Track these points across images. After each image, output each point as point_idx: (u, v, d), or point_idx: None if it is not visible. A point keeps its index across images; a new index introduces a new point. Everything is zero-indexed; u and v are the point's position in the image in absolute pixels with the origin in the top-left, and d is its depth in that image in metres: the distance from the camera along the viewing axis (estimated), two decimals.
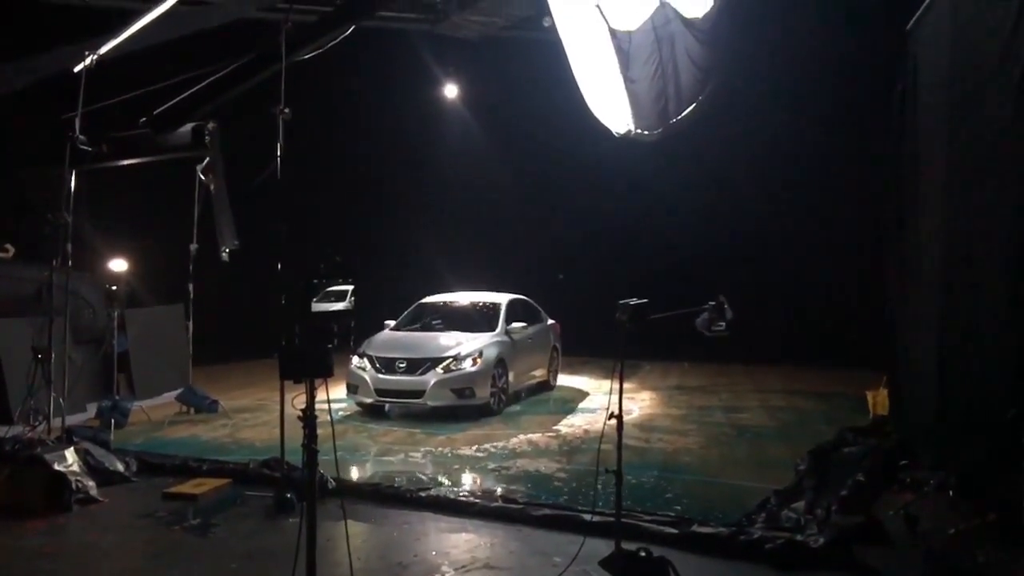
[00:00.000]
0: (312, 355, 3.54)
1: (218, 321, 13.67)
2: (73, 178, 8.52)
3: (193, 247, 11.10)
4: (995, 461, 5.74)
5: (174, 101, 7.76)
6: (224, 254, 10.84)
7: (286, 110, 7.20)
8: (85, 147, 8.28)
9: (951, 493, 6.49)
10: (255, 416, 11.00)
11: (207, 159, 10.11)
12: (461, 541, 6.07)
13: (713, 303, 5.20)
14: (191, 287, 11.14)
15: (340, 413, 10.91)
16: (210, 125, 8.63)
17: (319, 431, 3.98)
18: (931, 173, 7.85)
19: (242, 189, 10.50)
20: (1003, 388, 5.70)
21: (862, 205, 12.95)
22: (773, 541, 5.56)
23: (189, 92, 7.72)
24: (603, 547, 5.11)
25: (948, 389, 7.18)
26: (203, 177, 10.52)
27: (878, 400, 10.63)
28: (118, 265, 10.46)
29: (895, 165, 9.11)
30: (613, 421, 4.91)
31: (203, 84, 7.67)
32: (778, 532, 5.77)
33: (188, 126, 8.27)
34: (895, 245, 9.21)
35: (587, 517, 6.00)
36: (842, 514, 6.13)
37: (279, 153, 7.17)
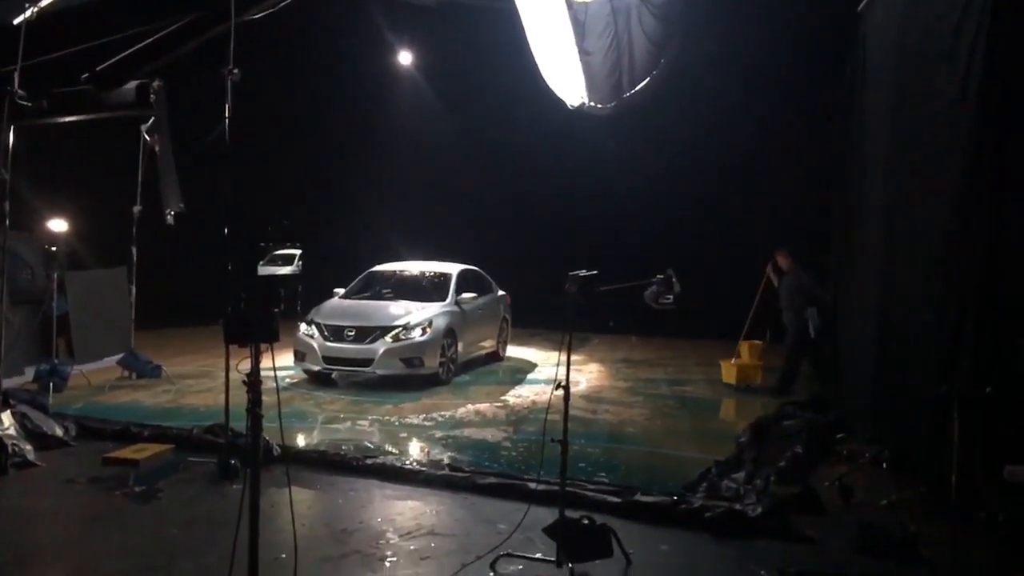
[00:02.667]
0: (257, 319, 3.50)
1: (162, 285, 13.41)
2: (11, 134, 8.24)
3: (136, 209, 10.83)
4: (927, 436, 5.95)
5: (118, 57, 7.51)
6: (169, 217, 10.59)
7: (235, 71, 7.03)
8: (24, 102, 8.00)
9: (884, 466, 6.74)
10: (199, 382, 10.86)
11: (152, 118, 9.83)
12: (407, 508, 6.09)
13: (661, 276, 5.27)
14: (134, 250, 10.89)
15: (287, 380, 10.83)
16: (155, 83, 8.39)
17: (264, 399, 3.95)
18: (876, 154, 8.02)
19: (188, 151, 10.27)
20: (937, 366, 5.89)
21: (812, 183, 13.12)
22: (713, 510, 5.70)
23: (135, 48, 7.47)
24: (547, 515, 5.18)
25: (885, 367, 7.40)
26: (148, 137, 10.24)
27: (740, 371, 11.16)
28: (58, 225, 10.18)
29: (843, 144, 9.28)
30: (560, 391, 4.96)
31: (149, 40, 7.44)
32: (718, 501, 5.92)
33: (132, 84, 8.03)
34: (840, 224, 9.40)
35: (532, 486, 6.06)
36: (780, 485, 6.31)
37: (227, 115, 7.02)
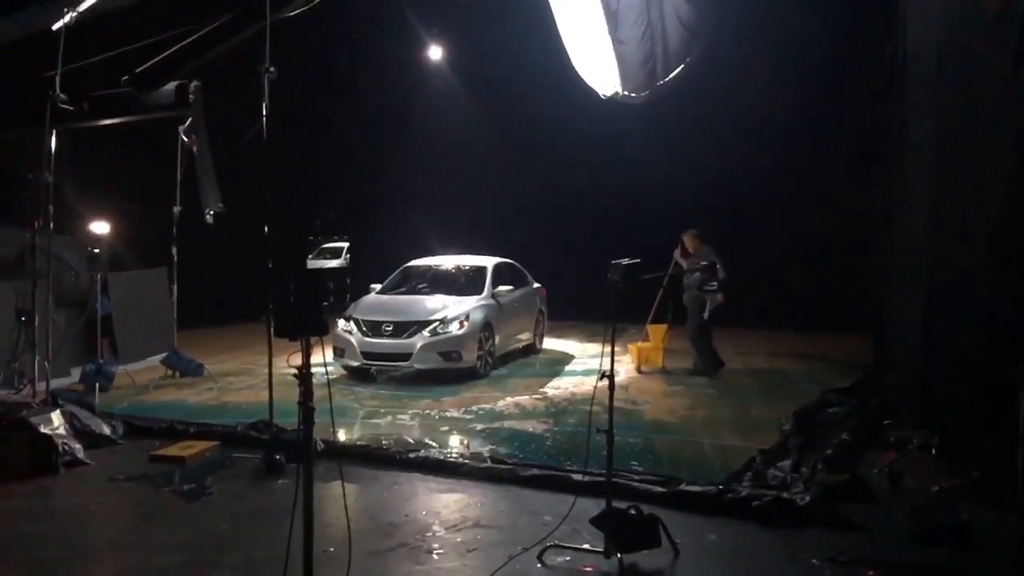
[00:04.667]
0: (307, 313, 3.52)
1: (202, 285, 13.58)
2: (54, 138, 8.38)
3: (176, 210, 10.97)
4: (980, 420, 5.83)
5: (157, 59, 7.61)
6: (208, 217, 10.72)
7: (271, 69, 7.09)
8: (66, 106, 8.14)
9: (934, 452, 6.61)
10: (241, 380, 10.98)
11: (190, 119, 9.95)
12: (451, 501, 6.11)
13: (705, 263, 5.22)
14: (175, 250, 11.03)
15: (326, 377, 10.88)
16: (193, 84, 8.49)
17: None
18: (921, 132, 7.85)
19: (227, 150, 10.37)
20: (989, 348, 5.76)
21: (851, 168, 12.91)
22: (760, 499, 5.64)
23: (172, 50, 7.57)
24: (592, 506, 5.16)
25: (933, 350, 7.25)
26: (186, 138, 10.36)
27: (641, 353, 11.35)
28: (100, 227, 10.32)
29: (884, 125, 9.11)
30: (603, 382, 4.92)
31: (187, 41, 7.53)
32: (765, 490, 5.85)
33: (171, 85, 8.13)
34: (883, 206, 9.23)
35: (577, 477, 6.04)
36: (827, 472, 6.22)
37: (264, 113, 7.08)
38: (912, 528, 5.19)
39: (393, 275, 12.65)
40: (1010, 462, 3.81)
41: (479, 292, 11.73)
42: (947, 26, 7.17)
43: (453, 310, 10.94)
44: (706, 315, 10.59)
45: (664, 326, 11.43)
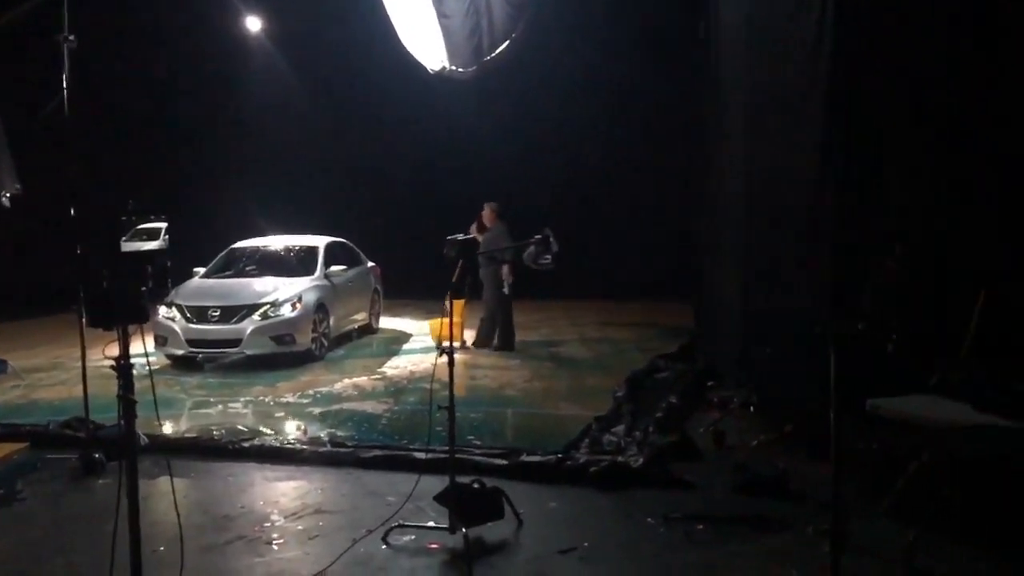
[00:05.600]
0: (124, 299, 3.26)
1: (0, 274, 12.45)
2: None
3: None
4: (792, 378, 6.27)
5: None
6: (3, 199, 9.77)
7: (71, 37, 6.52)
8: None
9: (752, 409, 7.08)
10: (51, 375, 10.17)
11: None
12: (290, 489, 5.92)
13: (539, 236, 5.28)
14: None
15: (146, 369, 10.26)
16: None
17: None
18: (733, 104, 8.27)
19: (23, 126, 9.48)
20: (801, 311, 6.20)
21: (675, 141, 13.42)
22: (597, 464, 5.82)
23: None
24: (436, 483, 5.13)
25: (751, 314, 7.72)
26: None
27: (441, 329, 11.47)
28: None
29: (700, 100, 9.54)
30: (443, 359, 4.90)
31: None
32: (601, 456, 6.05)
33: None
34: (702, 178, 9.67)
35: (420, 455, 6.01)
36: (658, 434, 6.51)
37: (65, 85, 6.51)
38: (735, 481, 5.52)
39: (218, 258, 12.09)
40: (822, 414, 4.12)
41: (311, 273, 11.42)
42: (753, 2, 7.56)
43: (284, 292, 10.59)
44: (506, 290, 10.73)
45: (462, 301, 11.40)
